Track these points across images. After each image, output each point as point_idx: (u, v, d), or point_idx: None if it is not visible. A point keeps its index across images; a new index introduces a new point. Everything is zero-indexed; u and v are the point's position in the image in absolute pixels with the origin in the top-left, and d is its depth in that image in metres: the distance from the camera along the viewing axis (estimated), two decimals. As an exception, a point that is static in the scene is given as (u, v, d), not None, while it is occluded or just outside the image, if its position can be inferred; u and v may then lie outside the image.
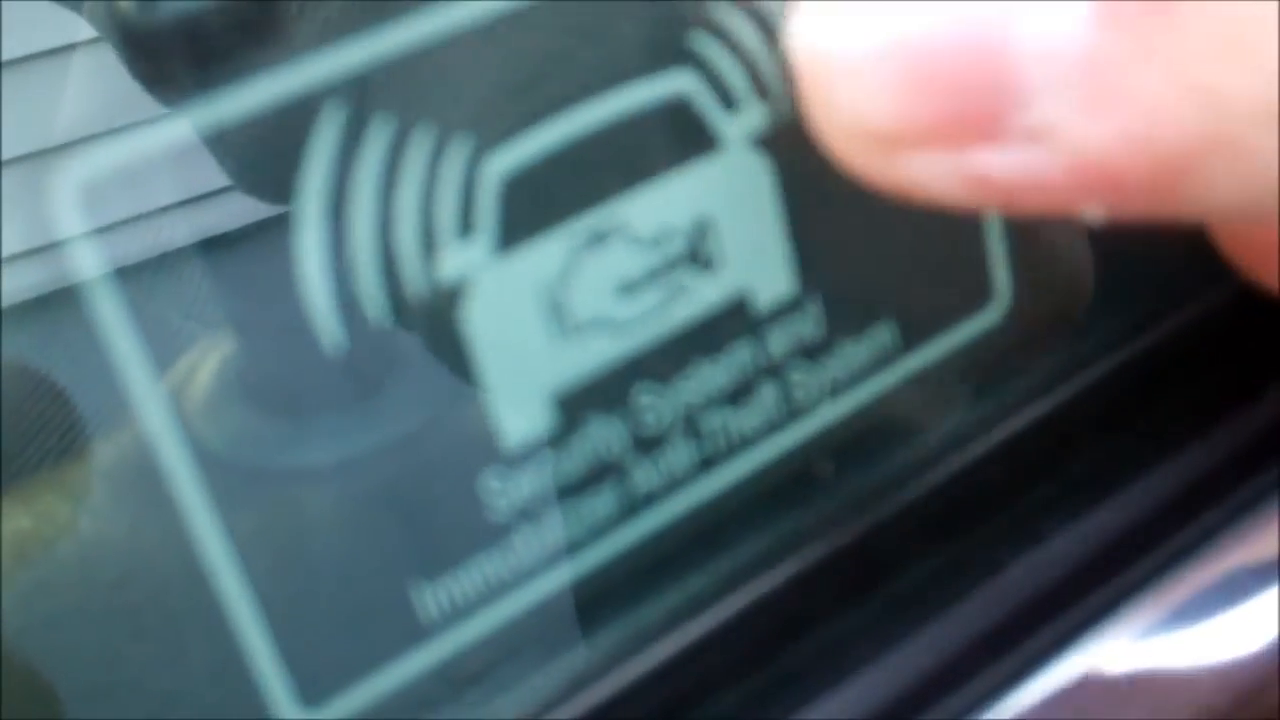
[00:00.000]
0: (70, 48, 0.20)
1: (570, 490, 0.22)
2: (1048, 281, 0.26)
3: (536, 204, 0.20)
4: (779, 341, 0.23)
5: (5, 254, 0.18)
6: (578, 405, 0.21)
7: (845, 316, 0.23)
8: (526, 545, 0.21)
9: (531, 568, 0.22)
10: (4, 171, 0.18)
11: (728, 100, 0.21)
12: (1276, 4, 0.15)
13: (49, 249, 0.17)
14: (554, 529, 0.22)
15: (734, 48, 0.21)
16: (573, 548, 0.22)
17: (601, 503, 0.22)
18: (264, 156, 0.19)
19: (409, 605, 0.21)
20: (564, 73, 0.20)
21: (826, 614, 0.24)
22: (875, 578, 0.25)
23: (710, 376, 0.22)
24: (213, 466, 0.19)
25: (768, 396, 0.23)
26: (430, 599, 0.21)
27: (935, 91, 0.17)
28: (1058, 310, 0.27)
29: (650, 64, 0.21)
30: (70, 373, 0.19)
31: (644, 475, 0.22)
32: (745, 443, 0.23)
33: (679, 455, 0.22)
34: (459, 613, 0.21)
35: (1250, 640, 0.25)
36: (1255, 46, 0.15)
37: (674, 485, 0.23)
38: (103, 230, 0.17)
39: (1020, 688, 0.24)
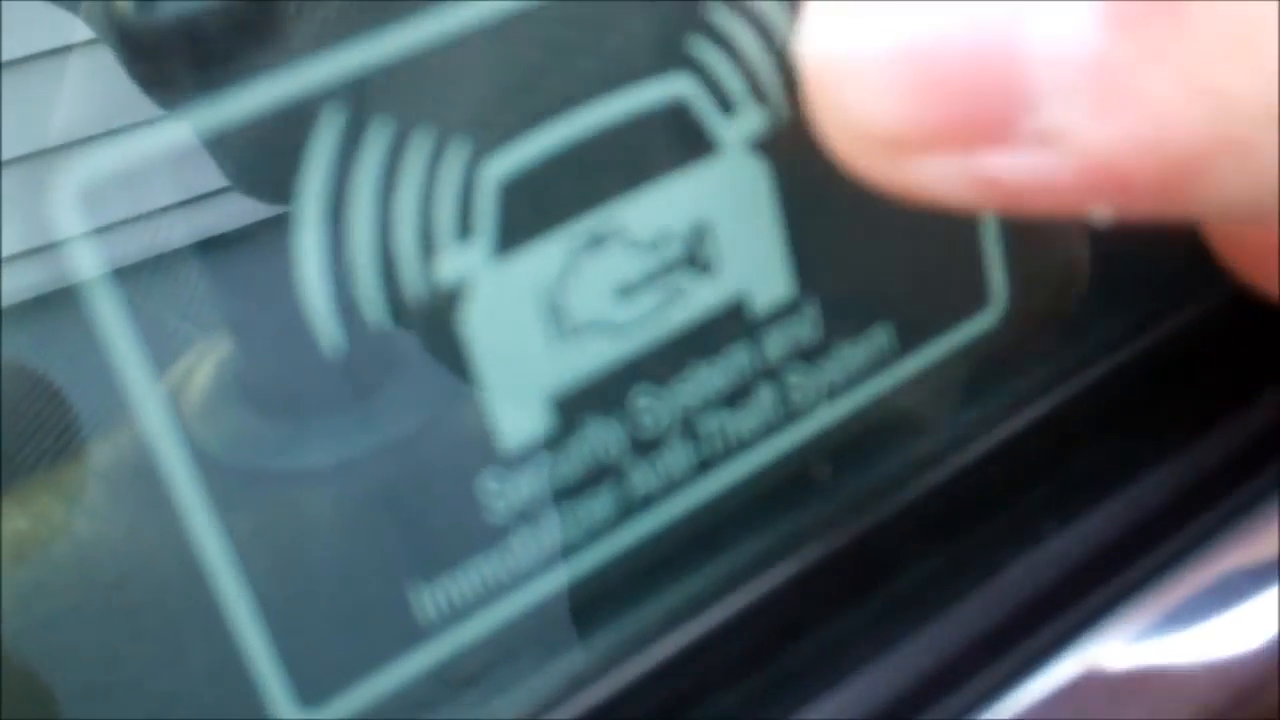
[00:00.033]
0: (70, 48, 0.20)
1: (568, 492, 0.22)
2: (1044, 283, 0.27)
3: (535, 207, 0.20)
4: (776, 344, 0.23)
5: (4, 254, 0.18)
6: (576, 407, 0.21)
7: (842, 319, 0.23)
8: (524, 547, 0.22)
9: (529, 569, 0.22)
10: (3, 172, 0.18)
11: (726, 104, 0.21)
12: (1280, 4, 0.15)
13: (48, 249, 0.17)
14: (552, 531, 0.22)
15: (732, 52, 0.21)
16: (571, 549, 0.22)
17: (599, 504, 0.22)
18: (263, 158, 0.19)
19: (407, 606, 0.21)
20: (562, 76, 0.20)
21: (825, 615, 0.24)
22: (873, 579, 0.25)
23: (708, 379, 0.22)
24: (211, 467, 0.19)
25: (765, 399, 0.23)
26: (428, 600, 0.21)
27: (944, 95, 0.17)
28: (1053, 310, 0.27)
29: (648, 68, 0.21)
30: (68, 373, 0.19)
31: (642, 477, 0.22)
32: (743, 445, 0.23)
33: (677, 457, 0.23)
34: (457, 614, 0.21)
35: (1248, 640, 0.25)
36: (1263, 48, 0.15)
37: (672, 487, 0.23)
38: (102, 231, 0.17)
39: (1019, 688, 0.24)
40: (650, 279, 0.21)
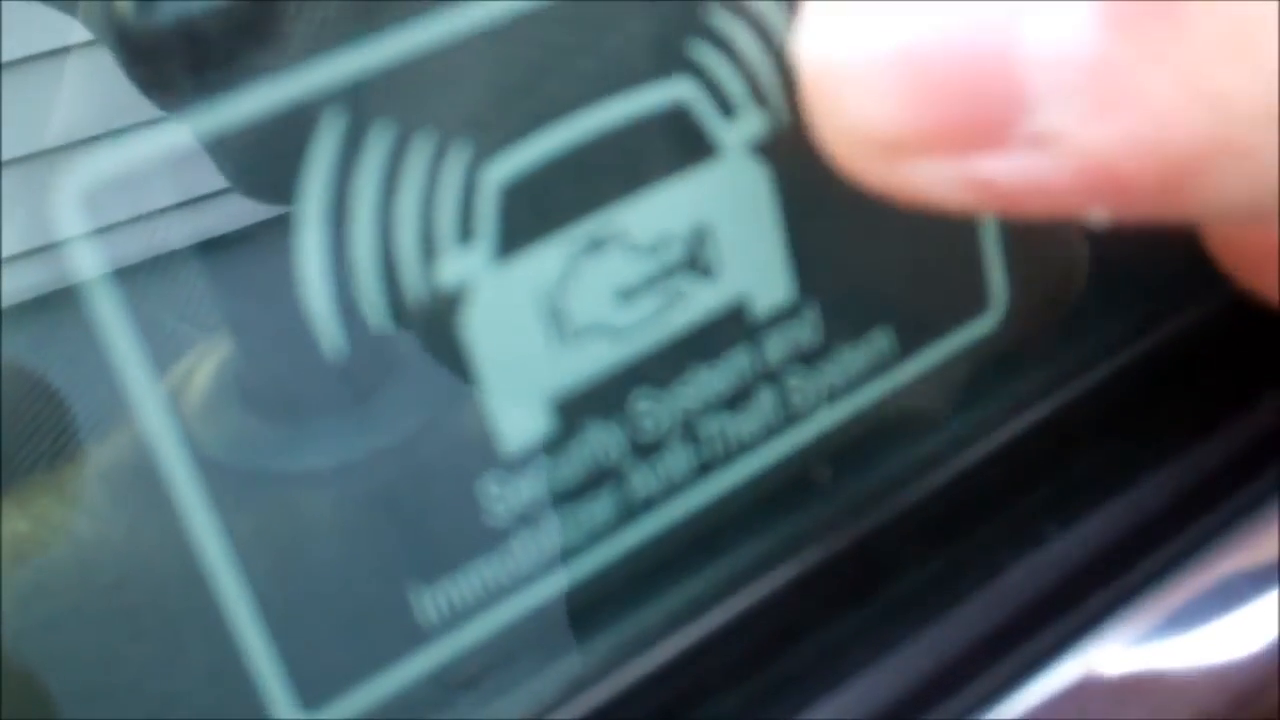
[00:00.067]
0: (70, 49, 0.20)
1: (569, 495, 0.22)
2: (1043, 285, 0.27)
3: (536, 210, 0.20)
4: (777, 347, 0.23)
5: (5, 255, 0.18)
6: (576, 411, 0.21)
7: (843, 322, 0.23)
8: (525, 550, 0.22)
9: (530, 572, 0.22)
10: (4, 173, 0.18)
11: (726, 108, 0.21)
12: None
13: (49, 250, 0.17)
14: (552, 534, 0.22)
15: (732, 55, 0.21)
16: (571, 552, 0.22)
17: (600, 507, 0.22)
18: (264, 161, 0.19)
19: (408, 609, 0.21)
20: (563, 79, 0.20)
21: (825, 618, 0.24)
22: (874, 581, 0.25)
23: (708, 382, 0.22)
24: (211, 469, 0.19)
25: (766, 402, 0.23)
26: (429, 603, 0.21)
27: (940, 98, 0.17)
28: (1053, 312, 0.27)
29: (649, 71, 0.21)
30: (69, 374, 0.19)
31: (642, 480, 0.22)
32: (743, 448, 0.23)
33: (677, 460, 0.23)
34: (458, 616, 0.21)
35: (1249, 643, 0.25)
36: (1262, 49, 0.15)
37: (672, 490, 0.23)
38: (102, 232, 0.17)
39: (1020, 690, 0.24)
40: (651, 282, 0.21)
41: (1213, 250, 0.25)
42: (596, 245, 0.21)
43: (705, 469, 0.23)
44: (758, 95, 0.22)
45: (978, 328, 0.25)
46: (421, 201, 0.19)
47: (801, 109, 0.19)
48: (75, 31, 0.19)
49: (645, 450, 0.22)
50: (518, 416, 0.21)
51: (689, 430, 0.22)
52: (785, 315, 0.23)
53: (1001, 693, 0.24)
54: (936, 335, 0.25)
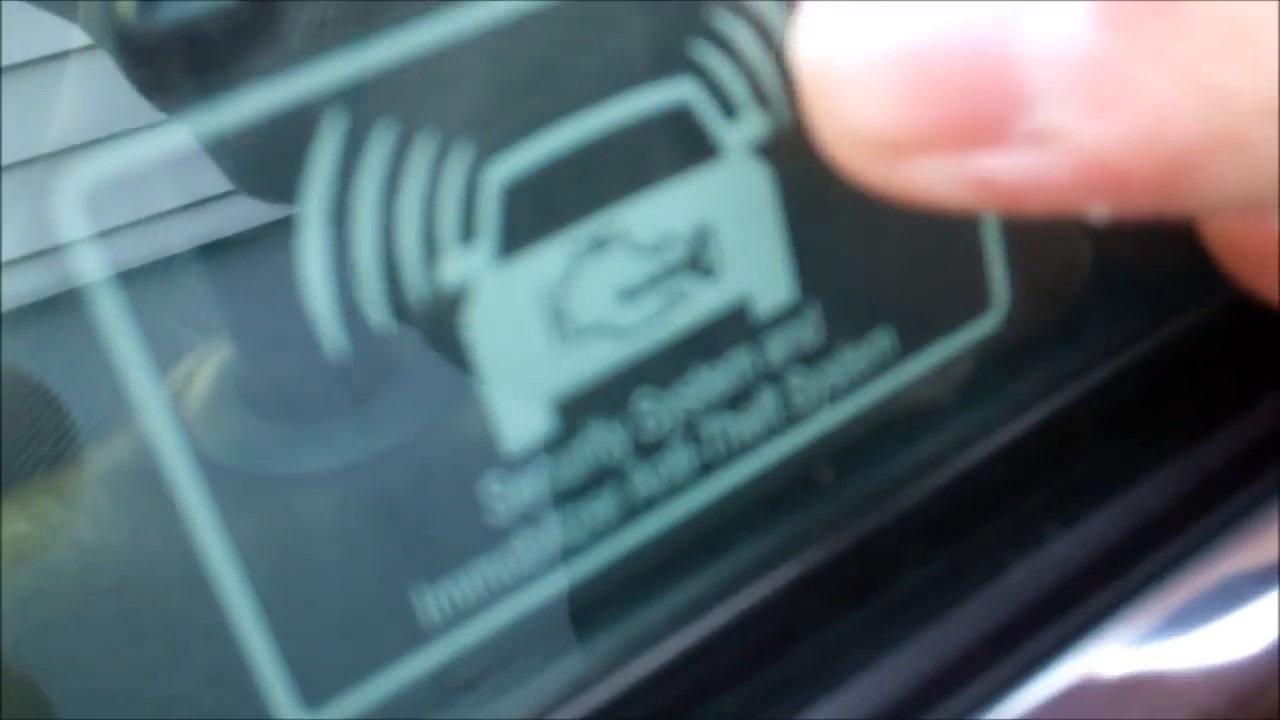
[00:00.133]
0: (70, 53, 0.20)
1: (571, 494, 0.22)
2: (1045, 286, 0.27)
3: (538, 210, 0.20)
4: (778, 347, 0.23)
5: (6, 258, 0.18)
6: (578, 410, 0.21)
7: (844, 322, 0.23)
8: (527, 549, 0.22)
9: (532, 571, 0.22)
10: (5, 176, 0.18)
11: (728, 108, 0.21)
12: (1278, 3, 0.15)
13: (51, 253, 0.17)
14: (554, 533, 0.22)
15: (734, 56, 0.21)
16: (573, 552, 0.22)
17: (602, 507, 0.22)
18: (267, 162, 0.19)
19: (410, 608, 0.21)
20: (566, 80, 0.20)
21: (826, 618, 0.24)
22: (874, 582, 0.25)
23: (710, 382, 0.23)
24: (214, 471, 0.19)
25: (767, 402, 0.23)
26: (431, 602, 0.21)
27: (939, 97, 0.17)
28: (1055, 313, 0.27)
29: (651, 72, 0.21)
30: (70, 377, 0.19)
31: (644, 480, 0.22)
32: (745, 448, 0.23)
33: (679, 460, 0.23)
34: (459, 616, 0.21)
35: (1248, 645, 0.25)
36: (1258, 44, 0.16)
37: (674, 490, 0.23)
38: (104, 235, 0.17)
39: (1020, 691, 0.24)
40: (653, 282, 0.21)
41: (1213, 250, 0.25)
42: (598, 245, 0.21)
43: (707, 469, 0.23)
44: (759, 96, 0.22)
45: (979, 328, 0.25)
46: (423, 201, 0.19)
47: (802, 109, 0.19)
48: (75, 36, 0.19)
49: (647, 450, 0.22)
50: (519, 416, 0.21)
51: (691, 430, 0.23)
52: (787, 315, 0.23)
53: (1002, 693, 0.24)
54: (938, 335, 0.25)
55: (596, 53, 0.20)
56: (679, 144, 0.21)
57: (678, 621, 0.23)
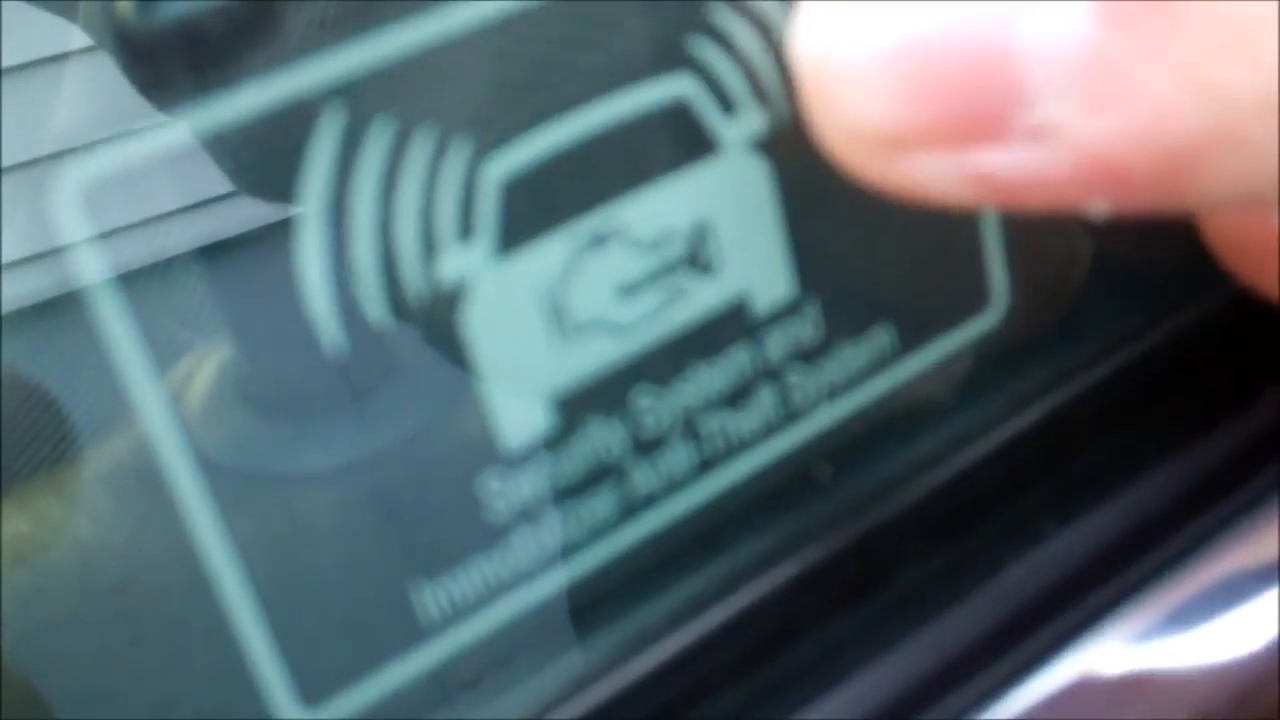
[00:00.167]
0: (69, 54, 0.20)
1: (570, 491, 0.22)
2: (1044, 283, 0.27)
3: (536, 207, 0.20)
4: (777, 344, 0.23)
5: (6, 260, 0.18)
6: (577, 407, 0.21)
7: (843, 319, 0.23)
8: (526, 546, 0.22)
9: (531, 569, 0.22)
10: (5, 178, 0.18)
11: (727, 104, 0.21)
12: (1276, 1, 0.15)
13: (50, 255, 0.17)
14: (553, 530, 0.22)
15: (733, 52, 0.21)
16: (572, 549, 0.22)
17: (601, 504, 0.22)
18: (265, 159, 0.19)
19: (409, 606, 0.21)
20: (564, 76, 0.20)
21: (824, 616, 0.24)
22: (873, 580, 0.25)
23: (709, 379, 0.23)
24: (213, 470, 0.19)
25: (766, 399, 0.23)
26: (430, 599, 0.21)
27: (938, 93, 0.17)
28: (1054, 310, 0.27)
29: (650, 68, 0.21)
30: (70, 377, 0.19)
31: (643, 477, 0.22)
32: (744, 445, 0.23)
33: (678, 457, 0.23)
34: (458, 613, 0.21)
35: (1248, 642, 0.25)
36: (1257, 41, 0.16)
37: (673, 487, 0.23)
38: (104, 236, 0.17)
39: (1019, 688, 0.24)
40: (651, 279, 0.21)
41: (1213, 247, 0.25)
42: (597, 242, 0.21)
43: (706, 466, 0.23)
44: (758, 92, 0.22)
45: (978, 324, 0.25)
46: (422, 198, 0.19)
47: (801, 105, 0.19)
48: (74, 37, 0.19)
49: (646, 447, 0.22)
50: (519, 413, 0.21)
51: (690, 427, 0.23)
52: (786, 312, 0.23)
53: (1001, 690, 0.24)
54: (937, 332, 0.25)
55: (595, 48, 0.20)
56: (678, 140, 0.21)
57: (677, 619, 0.23)
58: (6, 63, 0.19)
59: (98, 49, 0.19)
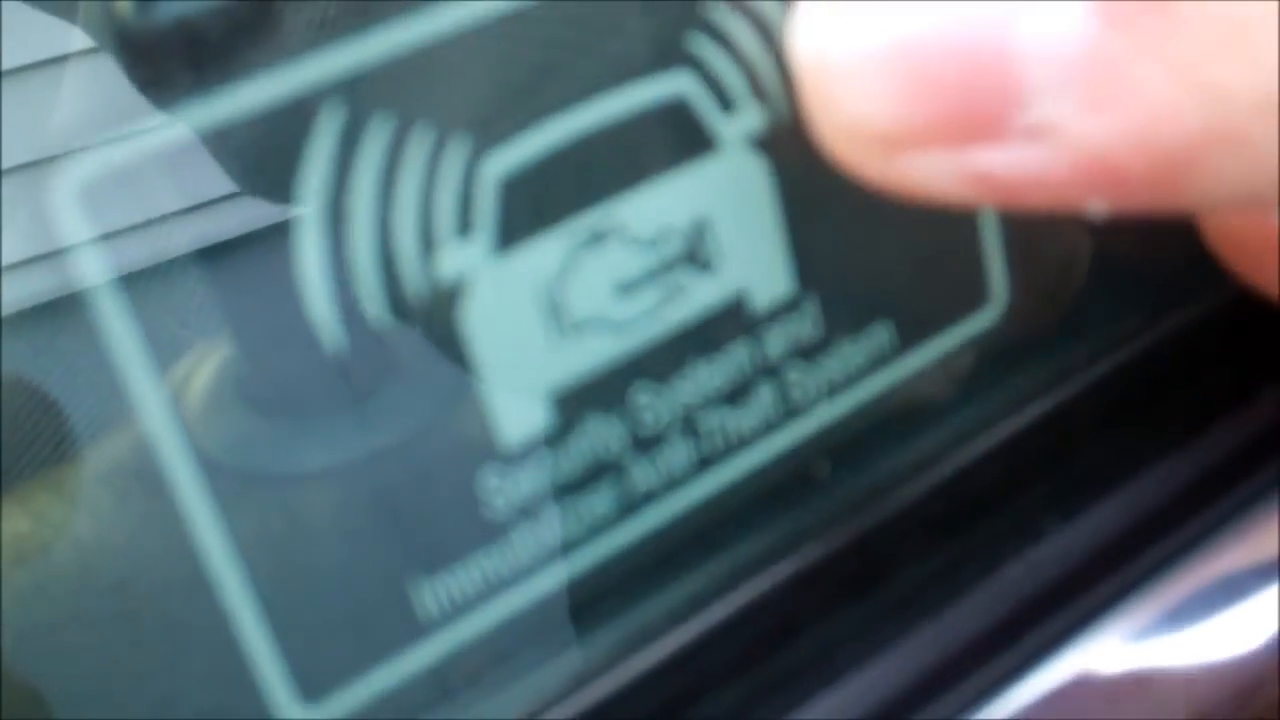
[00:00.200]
0: (69, 56, 0.20)
1: (569, 488, 0.22)
2: (1044, 280, 0.27)
3: (535, 204, 0.20)
4: (776, 342, 0.23)
5: (6, 262, 0.18)
6: (576, 404, 0.21)
7: (843, 317, 0.23)
8: (525, 543, 0.22)
9: (530, 565, 0.22)
10: (4, 179, 0.18)
11: (725, 101, 0.21)
12: (1275, 1, 0.15)
13: (50, 256, 0.17)
14: (552, 527, 0.22)
15: (732, 49, 0.21)
16: (571, 546, 0.22)
17: (600, 501, 0.22)
18: (264, 157, 0.19)
19: (408, 603, 0.21)
20: (563, 73, 0.20)
21: (824, 613, 0.24)
22: (873, 577, 0.25)
23: (708, 376, 0.23)
24: (213, 469, 0.19)
25: (765, 396, 0.23)
26: (429, 596, 0.21)
27: (936, 93, 0.17)
28: (1054, 307, 0.27)
29: (648, 65, 0.21)
30: (71, 377, 0.19)
31: (642, 474, 0.22)
32: (743, 442, 0.23)
33: (677, 454, 0.23)
34: (458, 610, 0.21)
35: (1247, 640, 0.25)
36: (1255, 42, 0.16)
37: (672, 484, 0.23)
38: (103, 237, 0.17)
39: (1019, 685, 0.24)
40: (650, 276, 0.21)
41: (1212, 245, 0.25)
42: (596, 239, 0.21)
43: (705, 463, 0.23)
44: (757, 89, 0.22)
45: (978, 322, 0.25)
46: (421, 194, 0.19)
47: (800, 103, 0.19)
48: (73, 38, 0.19)
49: (645, 444, 0.22)
50: (517, 409, 0.21)
51: (689, 424, 0.23)
52: (785, 309, 0.23)
53: (1001, 688, 0.24)
54: (936, 329, 0.25)
55: (593, 46, 0.20)
56: (676, 137, 0.21)
57: (676, 616, 0.23)
58: (6, 64, 0.19)
59: (96, 51, 0.19)
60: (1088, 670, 0.24)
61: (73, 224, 0.17)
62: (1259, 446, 0.27)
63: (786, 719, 0.23)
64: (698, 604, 0.23)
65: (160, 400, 0.18)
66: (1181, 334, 0.28)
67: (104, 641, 0.20)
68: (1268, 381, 0.28)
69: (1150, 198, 0.17)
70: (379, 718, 0.21)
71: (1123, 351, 0.28)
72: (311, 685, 0.20)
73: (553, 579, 0.22)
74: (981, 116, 0.17)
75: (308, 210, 0.19)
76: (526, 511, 0.21)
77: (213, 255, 0.20)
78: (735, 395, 0.23)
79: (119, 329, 0.18)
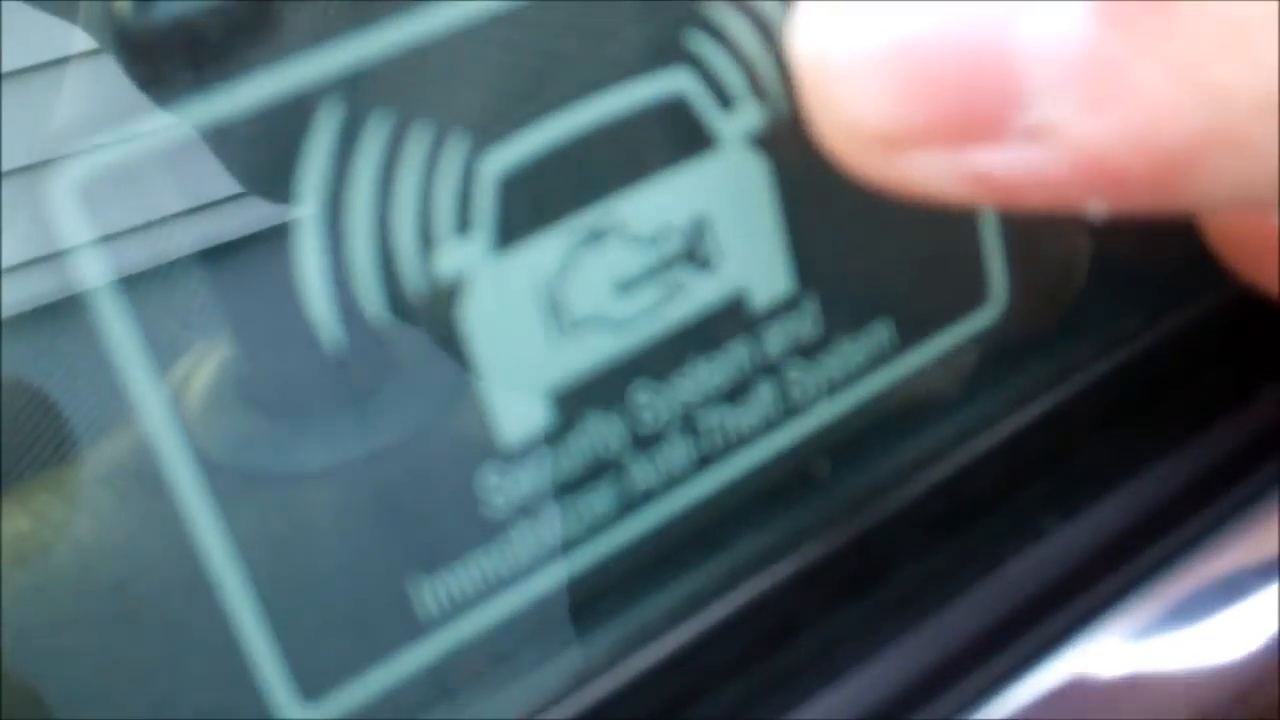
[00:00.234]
0: (69, 58, 0.20)
1: (568, 487, 0.22)
2: (1044, 279, 0.27)
3: (534, 202, 0.20)
4: (776, 340, 0.23)
5: (6, 264, 0.18)
6: (576, 402, 0.21)
7: (842, 315, 0.23)
8: (524, 542, 0.22)
9: (529, 564, 0.22)
10: (4, 181, 0.18)
11: (724, 99, 0.21)
12: (1275, 1, 0.15)
13: (51, 257, 0.17)
14: (552, 526, 0.22)
15: (731, 47, 0.21)
16: (571, 544, 0.22)
17: (599, 500, 0.22)
18: (263, 155, 0.19)
19: (408, 601, 0.21)
20: (562, 71, 0.20)
21: (824, 612, 0.24)
22: (873, 576, 0.25)
23: (708, 375, 0.23)
24: (213, 469, 0.19)
25: (765, 395, 0.23)
26: (429, 595, 0.21)
27: (936, 93, 0.17)
28: (1054, 306, 0.27)
29: (647, 63, 0.21)
30: (71, 377, 0.19)
31: (642, 473, 0.22)
32: (743, 441, 0.23)
33: (677, 453, 0.23)
34: (457, 609, 0.21)
35: (1247, 640, 0.25)
36: (1255, 42, 0.16)
37: (672, 483, 0.23)
38: (103, 238, 0.17)
39: (1019, 684, 0.24)
40: (650, 274, 0.21)
41: (1212, 244, 0.25)
42: (595, 237, 0.21)
43: (705, 462, 0.23)
44: (756, 87, 0.22)
45: (977, 320, 0.25)
46: (419, 192, 0.19)
47: (799, 101, 0.19)
48: (74, 39, 0.19)
49: (645, 442, 0.22)
50: (517, 408, 0.21)
51: (688, 423, 0.23)
52: (784, 307, 0.23)
53: (1001, 687, 0.24)
54: (936, 328, 0.25)
55: (592, 44, 0.20)
56: (675, 135, 0.21)
57: (676, 615, 0.23)
58: (6, 66, 0.19)
59: (96, 52, 0.19)
60: (1088, 670, 0.24)
61: (72, 225, 0.17)
62: (1259, 446, 0.27)
63: (786, 718, 0.23)
64: (697, 603, 0.23)
65: (160, 401, 0.18)
66: (1181, 334, 0.28)
67: (104, 642, 0.20)
68: (1268, 381, 0.28)
69: (1150, 198, 0.17)
70: (378, 717, 0.21)
71: (1123, 351, 0.28)
72: (311, 684, 0.20)
73: (552, 578, 0.22)
74: (981, 117, 0.17)
75: (306, 209, 0.19)
76: (526, 510, 0.21)
77: (212, 256, 0.20)
78: (735, 394, 0.23)
79: (119, 330, 0.18)
